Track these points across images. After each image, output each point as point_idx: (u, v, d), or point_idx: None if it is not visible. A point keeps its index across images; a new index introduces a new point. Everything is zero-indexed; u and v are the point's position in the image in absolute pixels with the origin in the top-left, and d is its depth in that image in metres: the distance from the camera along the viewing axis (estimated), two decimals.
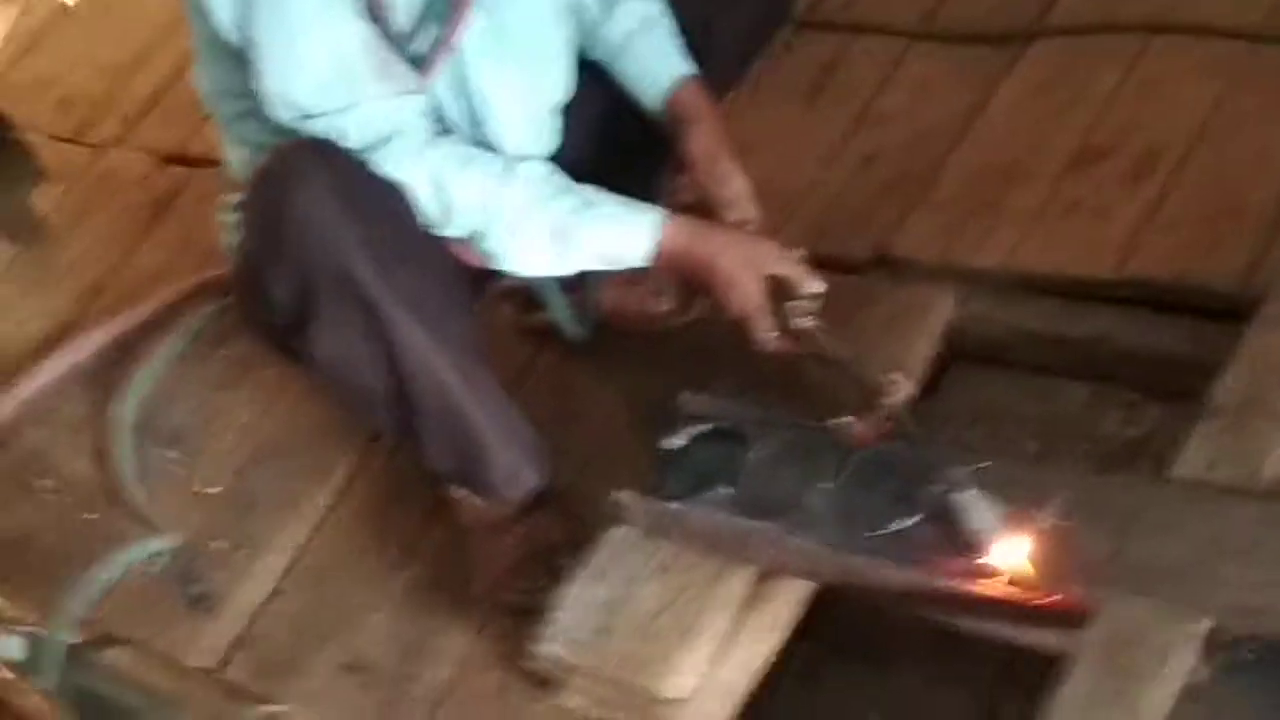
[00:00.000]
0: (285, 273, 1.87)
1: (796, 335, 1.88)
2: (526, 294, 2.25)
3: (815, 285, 1.90)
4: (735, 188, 2.03)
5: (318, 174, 1.84)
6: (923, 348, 2.07)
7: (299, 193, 1.82)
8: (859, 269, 2.23)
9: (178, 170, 3.08)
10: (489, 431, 1.98)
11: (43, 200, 3.19)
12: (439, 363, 1.91)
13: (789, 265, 1.90)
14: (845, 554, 1.71)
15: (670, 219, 1.91)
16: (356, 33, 1.87)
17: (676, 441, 1.95)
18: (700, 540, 1.83)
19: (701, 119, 2.08)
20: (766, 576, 1.81)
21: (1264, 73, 2.16)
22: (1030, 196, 2.19)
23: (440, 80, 1.99)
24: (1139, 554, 1.56)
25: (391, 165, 1.88)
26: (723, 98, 2.32)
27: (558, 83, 2.12)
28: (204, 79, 2.09)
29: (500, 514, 2.07)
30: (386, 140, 1.88)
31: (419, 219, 1.90)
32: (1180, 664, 1.47)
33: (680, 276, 1.98)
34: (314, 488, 2.32)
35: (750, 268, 1.90)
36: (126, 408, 2.54)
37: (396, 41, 1.93)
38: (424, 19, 1.96)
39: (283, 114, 1.89)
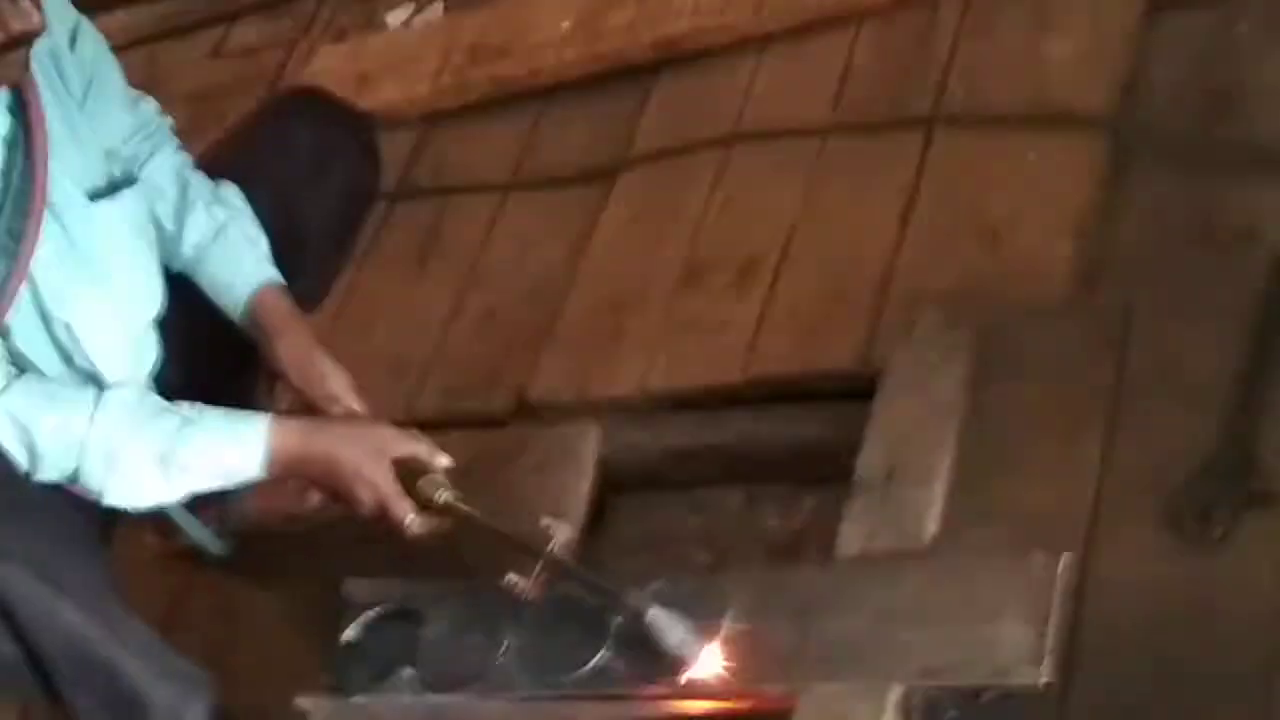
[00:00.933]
0: None
1: (439, 510, 1.83)
2: (163, 518, 2.15)
3: (442, 459, 1.87)
4: (332, 385, 2.00)
5: None
6: (579, 485, 2.07)
7: None
8: (502, 421, 2.23)
9: None
10: (139, 675, 1.85)
11: None
12: (67, 616, 1.77)
13: (411, 444, 1.87)
14: (543, 705, 1.68)
15: (278, 423, 1.85)
16: None
17: (350, 634, 1.88)
18: None
19: (283, 324, 2.04)
20: None
21: (836, 165, 2.28)
22: (648, 321, 2.24)
23: (20, 317, 1.90)
24: (822, 638, 1.59)
25: None
26: (328, 285, 2.31)
27: (147, 298, 2.04)
28: None
29: None
30: None
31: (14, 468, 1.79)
32: None
33: (303, 479, 1.91)
34: None
35: (372, 456, 1.85)
36: None
37: None
38: None
39: None
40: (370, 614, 1.89)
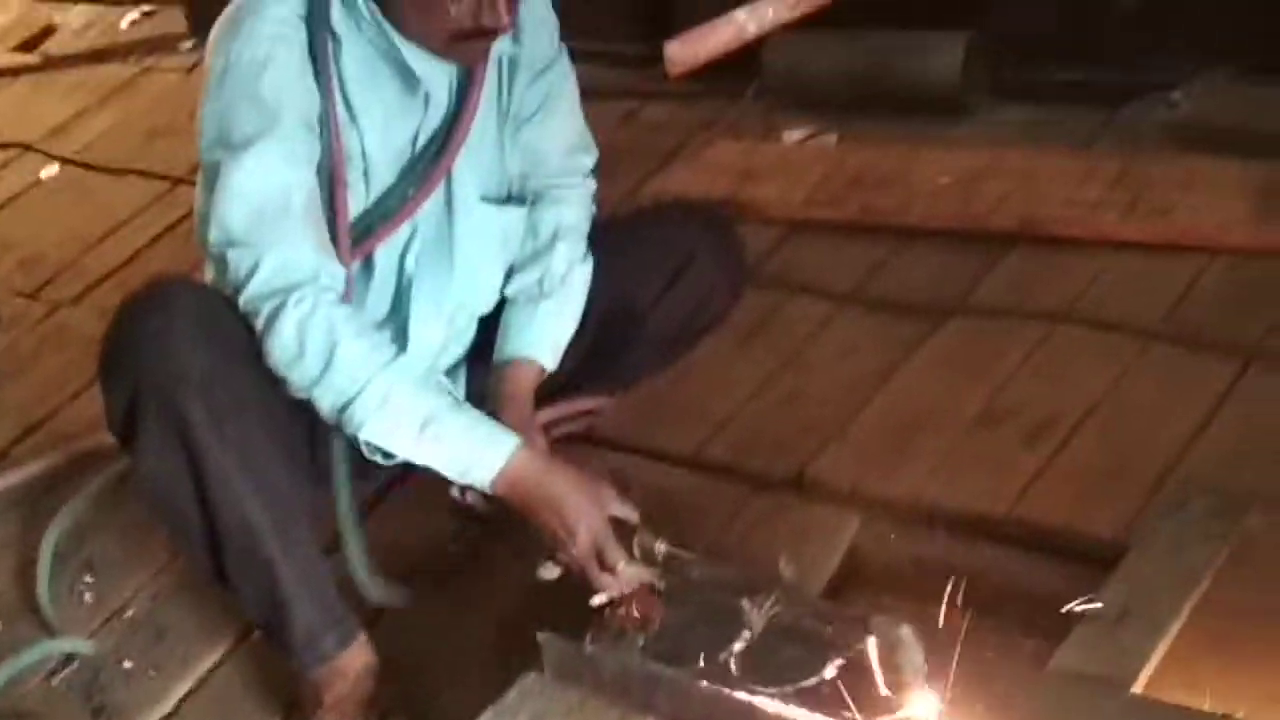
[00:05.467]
0: (122, 386, 2.01)
1: (654, 561, 2.01)
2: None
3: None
4: None
5: (179, 304, 2.00)
6: (827, 563, 2.24)
7: (155, 317, 1.99)
8: (776, 488, 2.40)
9: None
10: (294, 588, 2.06)
11: None
12: (253, 511, 2.02)
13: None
14: (751, 701, 1.81)
15: (527, 449, 2.03)
16: (304, 185, 2.05)
17: (599, 599, 2.05)
18: (610, 686, 1.94)
19: (507, 401, 2.23)
20: None
21: (1152, 366, 2.43)
22: (937, 444, 2.40)
23: (384, 255, 2.18)
24: None
25: (295, 311, 1.99)
26: (651, 373, 2.50)
27: (482, 297, 2.30)
28: (197, 200, 2.21)
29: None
30: (297, 286, 2.00)
31: (284, 375, 2.02)
32: None
33: (519, 507, 2.03)
34: (225, 622, 2.39)
35: (597, 505, 2.01)
36: (51, 533, 2.61)
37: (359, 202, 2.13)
38: (387, 195, 2.16)
39: (213, 235, 2.03)
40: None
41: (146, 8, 5.00)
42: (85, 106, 4.48)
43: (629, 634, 1.97)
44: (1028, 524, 2.21)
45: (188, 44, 4.54)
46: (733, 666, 1.88)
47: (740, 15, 3.44)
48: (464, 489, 2.10)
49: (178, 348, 1.97)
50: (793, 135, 3.32)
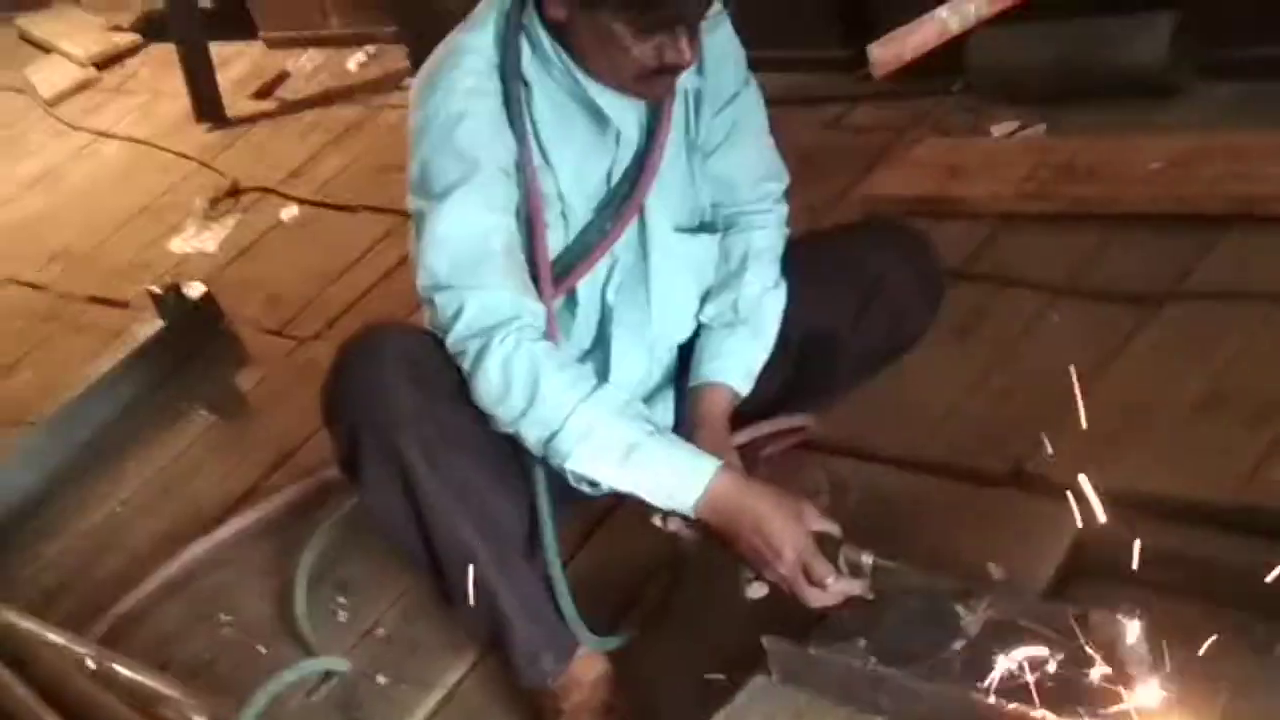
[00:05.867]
0: (342, 428, 2.13)
1: (861, 573, 2.03)
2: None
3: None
4: None
5: (388, 349, 2.11)
6: (1050, 558, 2.25)
7: (367, 362, 2.10)
8: (994, 483, 2.42)
9: None
10: (512, 611, 2.16)
11: (245, 381, 3.51)
12: (469, 540, 2.12)
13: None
14: (974, 698, 1.85)
15: (726, 471, 2.07)
16: (503, 229, 2.13)
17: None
18: (835, 687, 1.99)
19: (703, 421, 2.29)
20: None
21: None
22: (1159, 432, 2.38)
23: (586, 290, 2.27)
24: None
25: (498, 350, 2.07)
26: (843, 391, 2.54)
27: (678, 325, 2.36)
28: (409, 247, 2.31)
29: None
30: (500, 325, 2.08)
31: (491, 411, 2.10)
32: None
33: (722, 530, 2.07)
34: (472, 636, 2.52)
35: (797, 521, 2.04)
36: (307, 556, 2.78)
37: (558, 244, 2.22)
38: (585, 232, 2.24)
39: (420, 280, 2.14)
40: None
41: (371, 49, 5.23)
42: (319, 147, 4.72)
43: (850, 638, 2.02)
44: (1255, 509, 2.19)
45: (411, 82, 4.72)
46: (955, 666, 1.91)
47: (942, 13, 3.45)
48: (666, 515, 2.14)
49: (389, 390, 2.08)
50: (1000, 129, 3.32)
